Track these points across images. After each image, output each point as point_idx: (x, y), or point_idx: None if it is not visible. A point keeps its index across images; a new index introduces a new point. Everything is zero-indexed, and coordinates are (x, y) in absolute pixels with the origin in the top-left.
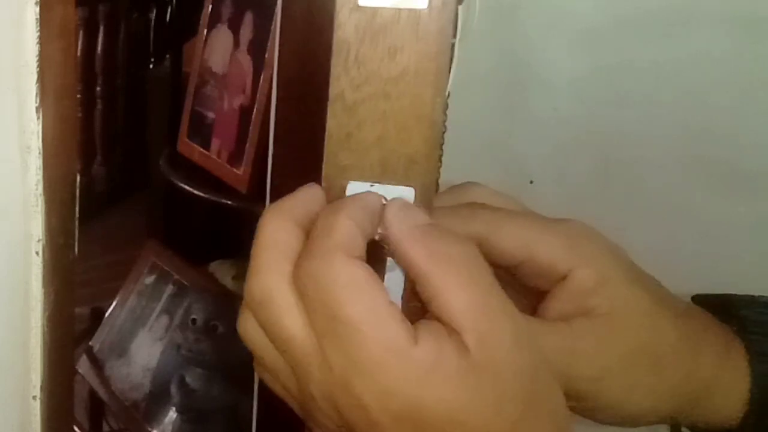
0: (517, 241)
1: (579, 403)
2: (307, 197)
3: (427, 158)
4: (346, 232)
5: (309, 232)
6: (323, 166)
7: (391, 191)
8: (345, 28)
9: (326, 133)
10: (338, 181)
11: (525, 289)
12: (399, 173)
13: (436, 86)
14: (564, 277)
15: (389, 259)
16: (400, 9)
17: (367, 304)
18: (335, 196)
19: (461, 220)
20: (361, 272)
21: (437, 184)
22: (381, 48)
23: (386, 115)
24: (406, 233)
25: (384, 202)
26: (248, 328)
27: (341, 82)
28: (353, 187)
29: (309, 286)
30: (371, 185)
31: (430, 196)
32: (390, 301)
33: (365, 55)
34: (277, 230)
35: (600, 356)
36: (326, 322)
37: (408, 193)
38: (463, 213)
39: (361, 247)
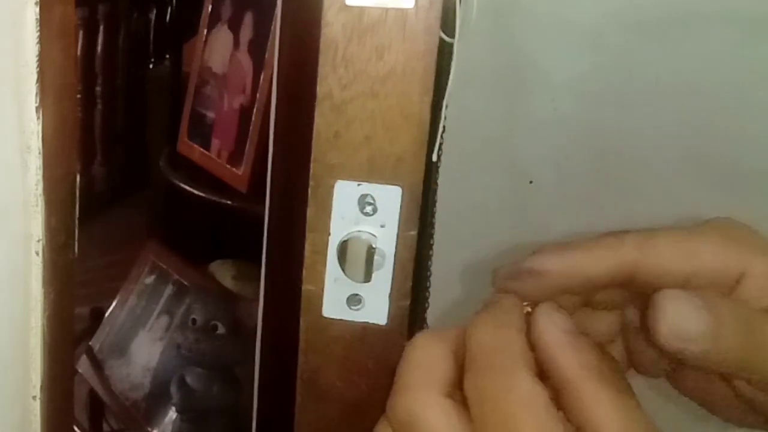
0: (677, 254)
1: None
2: (462, 328)
3: (415, 157)
4: (521, 344)
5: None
6: (311, 165)
7: (378, 190)
8: (332, 27)
9: (314, 132)
10: (326, 180)
11: None
12: (387, 172)
13: (423, 85)
14: (740, 278)
15: (377, 257)
16: (387, 8)
17: (548, 429)
18: (323, 195)
19: (609, 248)
20: (544, 394)
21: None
22: (368, 47)
23: (374, 114)
24: (558, 339)
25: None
26: None
27: (329, 81)
28: (341, 186)
29: (485, 400)
30: (359, 184)
31: (417, 195)
32: (567, 427)
33: (353, 54)
34: (430, 351)
35: None
36: None
37: (396, 191)
38: (608, 241)
39: (533, 363)
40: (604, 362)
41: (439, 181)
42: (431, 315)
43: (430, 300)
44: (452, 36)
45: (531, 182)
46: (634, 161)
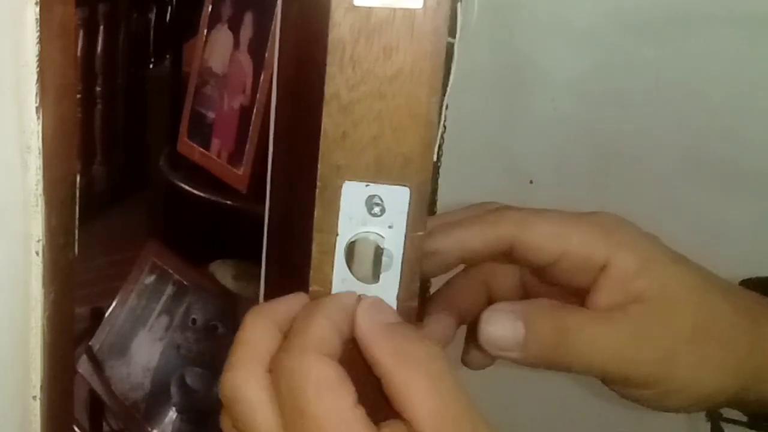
0: (550, 235)
1: (647, 390)
2: (290, 301)
3: (423, 157)
4: (321, 330)
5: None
6: (318, 166)
7: (386, 190)
8: (340, 27)
9: (321, 132)
10: (333, 181)
11: (561, 293)
12: (394, 172)
13: (431, 86)
14: (603, 267)
15: (384, 258)
16: (395, 9)
17: (333, 403)
18: (330, 195)
19: (489, 224)
20: (331, 371)
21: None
22: (376, 47)
23: (381, 114)
24: (372, 329)
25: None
26: (227, 424)
27: (336, 82)
28: (348, 187)
29: (281, 381)
30: (366, 185)
31: (425, 195)
32: (356, 403)
33: (360, 55)
34: (255, 329)
35: (664, 337)
36: (295, 417)
37: (403, 192)
38: (490, 217)
39: (335, 346)
40: (421, 349)
41: (439, 181)
42: None
43: None
44: (453, 36)
45: (531, 182)
46: (634, 161)
